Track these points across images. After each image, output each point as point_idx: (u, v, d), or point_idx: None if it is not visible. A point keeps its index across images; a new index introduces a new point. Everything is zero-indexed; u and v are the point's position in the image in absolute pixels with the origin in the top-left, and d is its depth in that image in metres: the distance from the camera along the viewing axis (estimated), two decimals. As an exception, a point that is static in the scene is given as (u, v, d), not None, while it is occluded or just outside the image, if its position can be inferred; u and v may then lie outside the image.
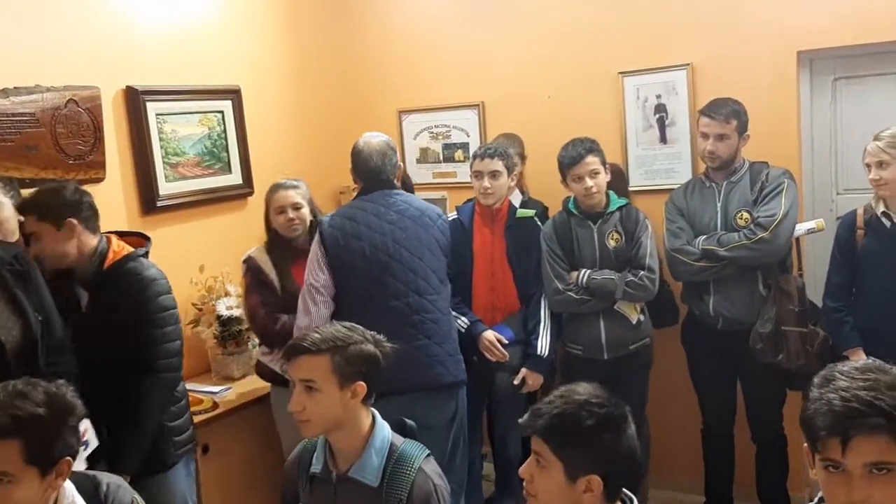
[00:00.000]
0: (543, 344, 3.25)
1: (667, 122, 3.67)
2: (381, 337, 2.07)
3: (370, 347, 2.01)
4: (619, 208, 3.26)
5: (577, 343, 3.31)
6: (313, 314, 2.83)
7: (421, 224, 2.96)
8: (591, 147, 3.17)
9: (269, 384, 3.33)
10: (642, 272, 3.15)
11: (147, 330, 2.53)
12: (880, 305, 2.86)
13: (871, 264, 2.89)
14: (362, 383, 1.98)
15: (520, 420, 1.71)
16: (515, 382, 3.25)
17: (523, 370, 3.26)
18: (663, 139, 3.69)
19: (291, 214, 3.23)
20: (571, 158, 3.17)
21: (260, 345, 3.34)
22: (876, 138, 2.83)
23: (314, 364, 1.96)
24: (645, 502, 3.46)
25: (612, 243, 3.22)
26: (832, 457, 1.31)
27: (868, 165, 2.85)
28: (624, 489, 1.69)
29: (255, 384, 3.43)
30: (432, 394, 2.90)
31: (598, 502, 1.63)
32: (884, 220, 2.87)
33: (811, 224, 3.17)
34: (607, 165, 3.24)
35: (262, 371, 3.32)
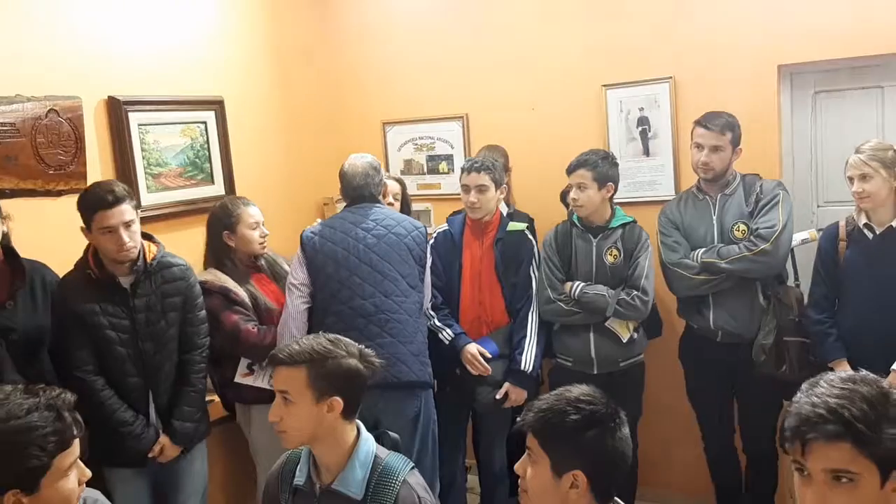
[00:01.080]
0: (528, 359, 3.22)
1: (649, 135, 3.69)
2: (368, 351, 2.05)
3: (352, 362, 1.98)
4: (623, 225, 3.24)
5: (568, 355, 3.29)
6: (290, 308, 3.04)
7: (394, 233, 3.10)
8: (585, 161, 3.15)
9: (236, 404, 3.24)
10: (635, 292, 3.14)
11: (193, 312, 2.86)
12: (863, 316, 2.87)
13: (854, 276, 2.90)
14: (339, 399, 1.95)
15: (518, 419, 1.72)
16: (498, 397, 3.23)
17: (506, 385, 3.24)
18: (646, 151, 3.71)
19: (265, 230, 3.21)
20: (568, 167, 3.19)
21: (219, 367, 3.15)
22: (857, 151, 2.84)
23: (290, 376, 1.94)
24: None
25: (609, 259, 3.21)
26: (797, 458, 1.34)
27: (850, 178, 2.85)
28: (617, 499, 1.69)
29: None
30: (393, 391, 2.94)
31: (585, 499, 1.63)
32: (866, 231, 2.89)
33: (804, 234, 3.17)
34: (611, 183, 3.17)
35: (236, 393, 3.17)
